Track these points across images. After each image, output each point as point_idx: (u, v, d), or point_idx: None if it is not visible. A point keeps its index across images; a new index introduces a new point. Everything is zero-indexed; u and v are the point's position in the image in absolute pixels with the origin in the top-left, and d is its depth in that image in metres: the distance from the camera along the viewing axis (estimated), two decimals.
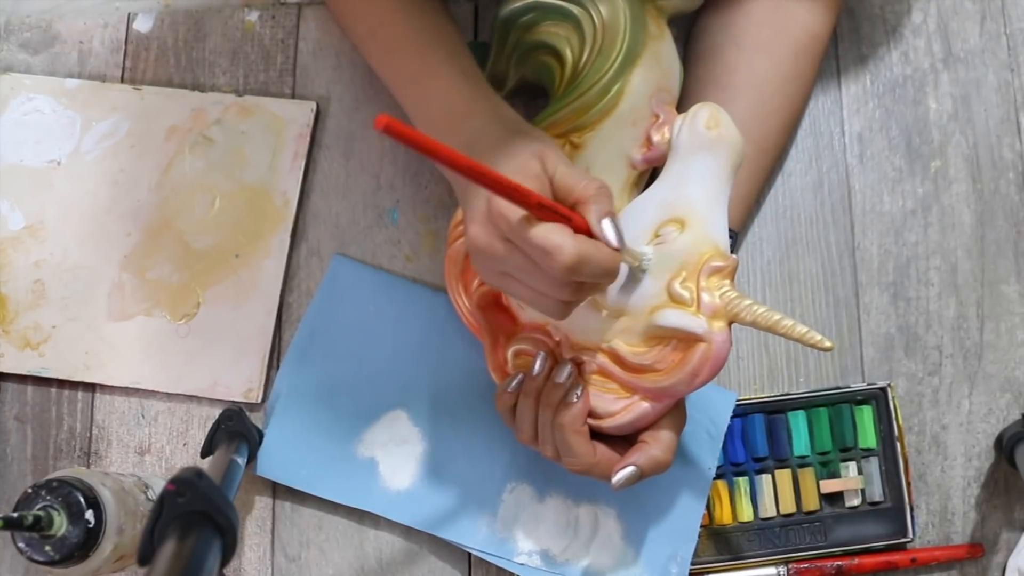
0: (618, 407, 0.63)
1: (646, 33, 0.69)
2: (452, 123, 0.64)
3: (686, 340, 0.60)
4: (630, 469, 0.63)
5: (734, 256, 0.60)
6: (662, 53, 0.69)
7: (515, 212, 0.54)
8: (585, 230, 0.56)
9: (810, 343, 0.56)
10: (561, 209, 0.55)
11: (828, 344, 0.56)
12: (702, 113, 0.61)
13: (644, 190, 0.65)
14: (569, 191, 0.56)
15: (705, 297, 0.59)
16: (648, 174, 0.69)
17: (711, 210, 0.61)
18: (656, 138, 0.67)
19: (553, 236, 0.53)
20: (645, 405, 0.62)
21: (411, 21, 0.68)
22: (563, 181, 0.56)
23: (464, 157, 0.49)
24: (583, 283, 0.56)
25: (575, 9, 0.69)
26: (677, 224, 0.61)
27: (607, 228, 0.55)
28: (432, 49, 0.67)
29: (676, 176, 0.62)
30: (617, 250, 0.56)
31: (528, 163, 0.56)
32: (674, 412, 0.64)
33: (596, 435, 0.64)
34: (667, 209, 0.61)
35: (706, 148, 0.61)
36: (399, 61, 0.68)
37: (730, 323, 0.59)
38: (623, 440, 0.64)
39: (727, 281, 0.60)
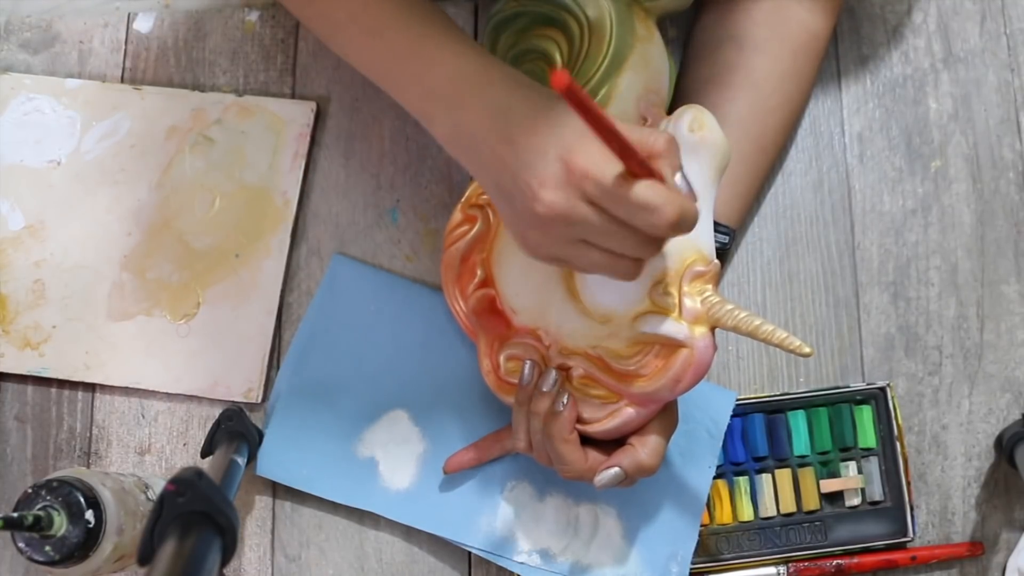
0: (604, 412, 0.63)
1: (634, 35, 0.68)
2: (464, 91, 0.58)
3: (669, 346, 0.60)
4: (614, 470, 0.63)
5: (716, 261, 0.60)
6: (650, 55, 0.69)
7: (607, 172, 0.52)
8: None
9: (789, 348, 0.56)
10: (653, 167, 0.53)
11: (808, 350, 0.56)
12: (686, 116, 0.60)
13: None
14: (637, 146, 0.52)
15: (687, 302, 0.59)
16: None
17: None
18: None
19: (655, 194, 0.52)
20: (630, 411, 0.62)
21: None
22: (629, 137, 0.53)
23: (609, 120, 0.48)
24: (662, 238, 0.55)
25: (561, 13, 0.69)
26: None
27: (681, 183, 0.55)
28: (427, 21, 0.62)
29: None
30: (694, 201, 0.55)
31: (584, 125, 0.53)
32: (664, 417, 0.64)
33: (588, 440, 0.64)
34: None
35: (690, 151, 0.60)
36: (390, 37, 0.62)
37: (712, 328, 0.59)
38: (616, 445, 0.64)
39: (709, 286, 0.60)
